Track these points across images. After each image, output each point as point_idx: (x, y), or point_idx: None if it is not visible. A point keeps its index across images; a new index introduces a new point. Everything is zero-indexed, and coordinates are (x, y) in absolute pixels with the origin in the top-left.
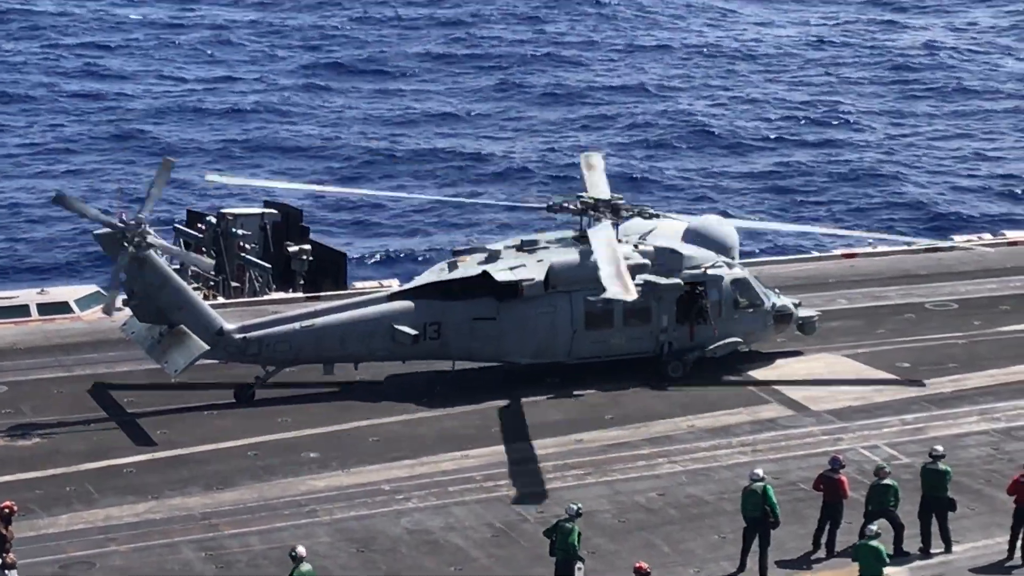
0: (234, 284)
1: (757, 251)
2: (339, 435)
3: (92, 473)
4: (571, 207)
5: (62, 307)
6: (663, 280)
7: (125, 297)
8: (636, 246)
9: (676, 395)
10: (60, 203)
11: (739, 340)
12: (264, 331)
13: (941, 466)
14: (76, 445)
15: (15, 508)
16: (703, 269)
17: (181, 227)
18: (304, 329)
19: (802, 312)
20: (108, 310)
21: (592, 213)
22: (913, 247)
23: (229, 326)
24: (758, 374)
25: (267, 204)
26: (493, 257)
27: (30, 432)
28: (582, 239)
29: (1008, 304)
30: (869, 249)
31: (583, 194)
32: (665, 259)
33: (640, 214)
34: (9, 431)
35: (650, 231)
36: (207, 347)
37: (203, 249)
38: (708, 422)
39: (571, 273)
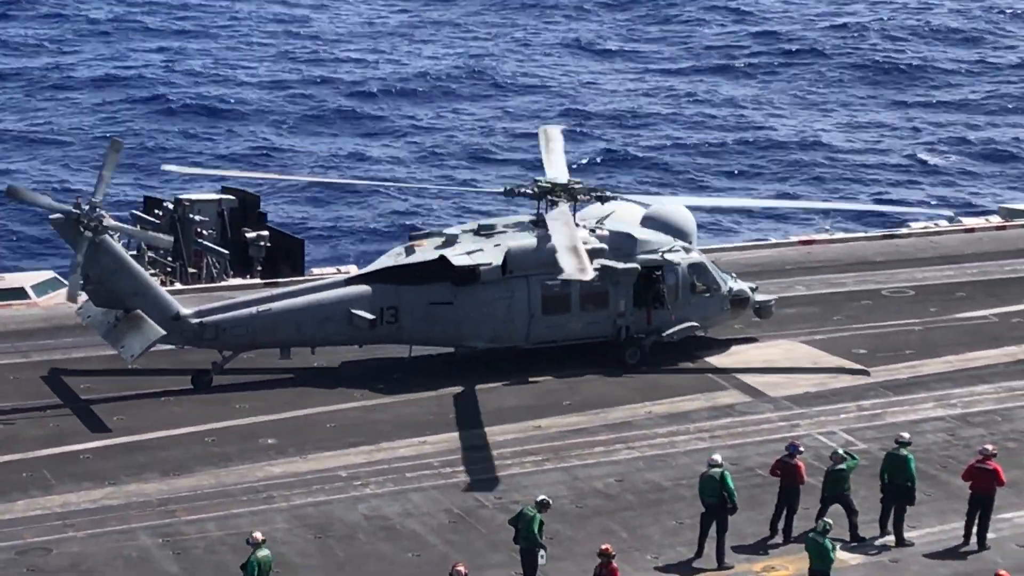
0: (191, 270)
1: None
2: (296, 421)
3: (49, 459)
4: (528, 192)
5: (18, 293)
6: (620, 264)
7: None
8: (593, 231)
9: (634, 381)
10: (12, 195)
11: (696, 324)
12: (220, 316)
13: (904, 452)
14: (33, 431)
15: None
16: (660, 253)
17: (138, 213)
18: (261, 314)
19: (759, 296)
20: (72, 296)
21: (549, 197)
22: (869, 234)
23: (185, 311)
24: (715, 360)
25: (224, 190)
26: (450, 242)
27: None
28: (540, 223)
29: (964, 291)
30: (826, 236)
31: (540, 178)
32: (622, 244)
33: (598, 198)
34: None
35: (607, 215)
36: (163, 332)
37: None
38: (666, 408)
39: (528, 258)
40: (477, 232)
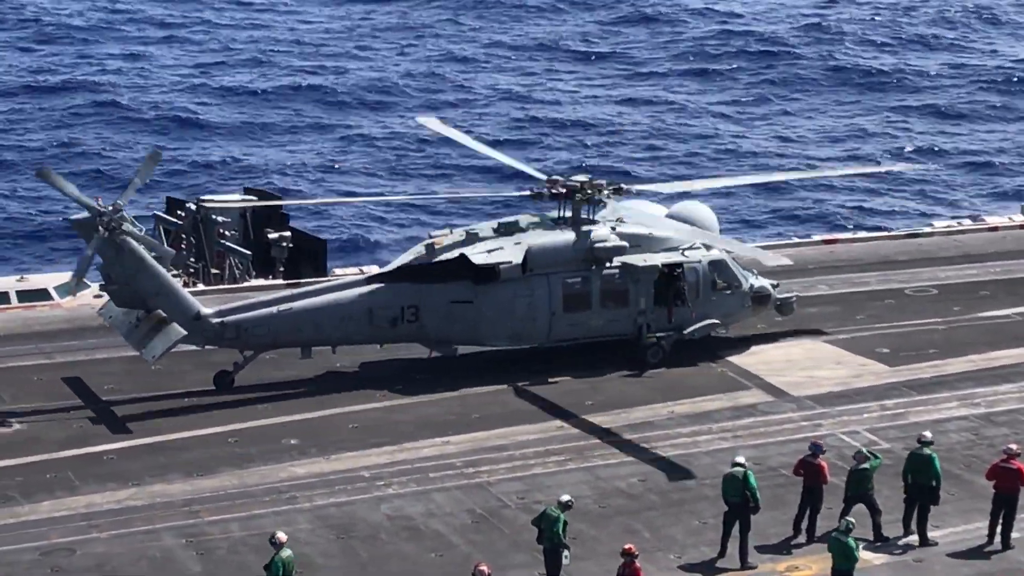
0: (214, 271)
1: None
2: (319, 422)
3: (73, 460)
4: (551, 192)
5: (41, 294)
6: (640, 262)
7: (101, 283)
8: (614, 228)
9: (656, 381)
10: (42, 177)
11: (717, 321)
12: (241, 315)
13: (927, 451)
14: (57, 432)
15: None
16: (681, 251)
17: (161, 215)
18: (281, 313)
19: (780, 293)
20: (72, 291)
21: (578, 196)
22: (893, 233)
23: (206, 311)
24: (738, 360)
25: (247, 191)
26: (471, 240)
27: (10, 419)
28: (560, 222)
29: (988, 289)
30: (849, 235)
31: (561, 177)
32: (642, 241)
33: (616, 191)
34: None
35: (627, 210)
36: (184, 332)
37: (183, 236)
38: (688, 408)
39: (549, 255)
40: (497, 230)
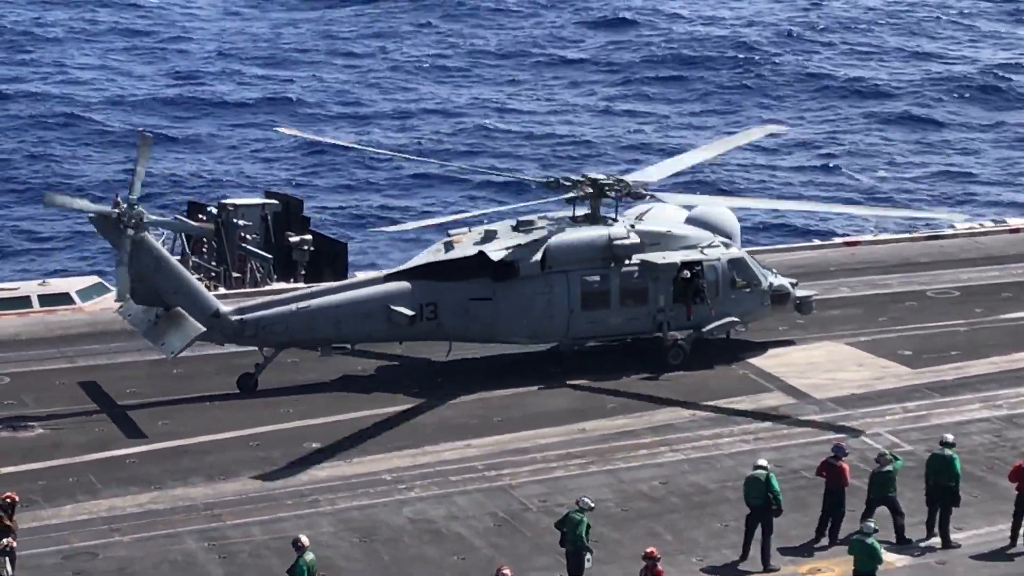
0: (235, 274)
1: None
2: (341, 425)
3: (95, 464)
4: (579, 191)
5: (63, 298)
6: (659, 259)
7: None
8: (632, 226)
9: (678, 384)
10: (50, 204)
11: (736, 319)
12: (260, 313)
13: (948, 452)
14: (78, 436)
15: (16, 498)
16: (699, 249)
17: (183, 218)
18: (300, 311)
19: (800, 292)
20: (122, 295)
21: (596, 192)
22: (914, 235)
23: (225, 308)
24: (759, 362)
25: (268, 195)
26: (489, 237)
27: (32, 423)
28: (579, 221)
29: (1010, 291)
30: (870, 237)
31: (587, 175)
32: (661, 239)
33: (638, 195)
34: (11, 422)
35: (647, 211)
36: (203, 328)
37: (204, 240)
38: (710, 410)
39: (567, 253)
40: (516, 228)
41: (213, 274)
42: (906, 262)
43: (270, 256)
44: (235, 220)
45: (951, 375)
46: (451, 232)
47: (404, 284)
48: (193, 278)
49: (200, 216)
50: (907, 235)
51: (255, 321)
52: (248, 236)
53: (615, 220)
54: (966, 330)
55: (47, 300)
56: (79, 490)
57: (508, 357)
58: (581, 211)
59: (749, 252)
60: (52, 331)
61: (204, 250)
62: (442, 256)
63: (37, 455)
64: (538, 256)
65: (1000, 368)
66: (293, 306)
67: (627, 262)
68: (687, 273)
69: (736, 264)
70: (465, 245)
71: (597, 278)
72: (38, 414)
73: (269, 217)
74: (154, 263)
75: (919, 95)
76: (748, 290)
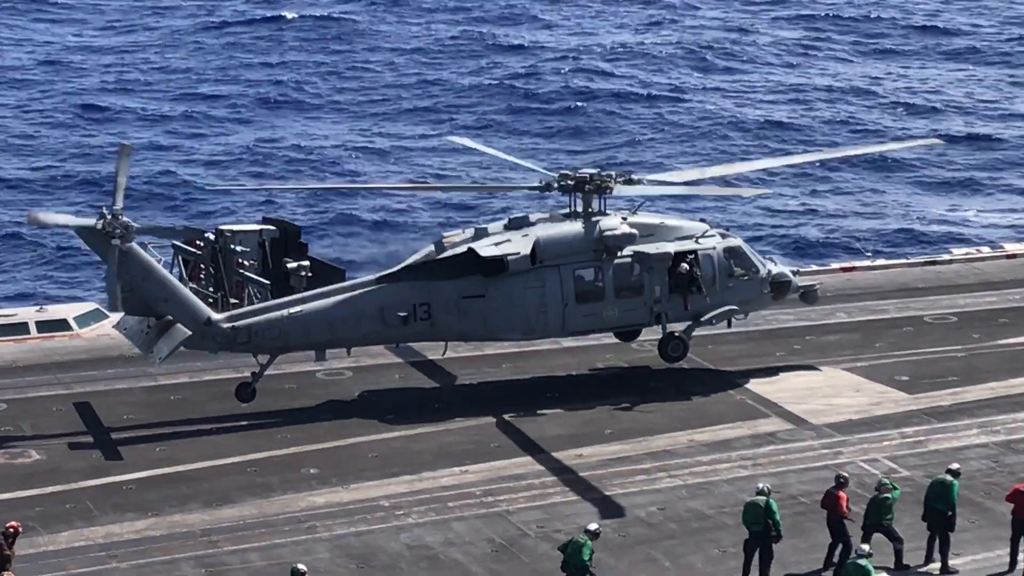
0: (232, 300)
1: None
2: (338, 451)
3: (92, 490)
4: (561, 185)
5: (61, 324)
6: (653, 250)
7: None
8: (625, 218)
9: (676, 409)
10: (33, 223)
11: (735, 308)
12: (252, 319)
13: (948, 479)
14: (76, 462)
15: (20, 528)
16: (694, 238)
17: (180, 244)
18: (293, 316)
19: (802, 281)
20: (114, 305)
21: (587, 187)
22: (911, 260)
23: (217, 316)
24: (757, 388)
25: (265, 220)
26: (479, 235)
27: (30, 450)
28: (571, 216)
29: (1007, 317)
30: (867, 263)
31: (571, 171)
32: (655, 230)
33: (626, 181)
34: (8, 449)
35: (641, 204)
36: (189, 332)
37: (201, 266)
38: (708, 436)
39: (558, 247)
40: (508, 225)
41: (210, 300)
42: (903, 288)
43: (268, 282)
44: (232, 246)
45: (948, 401)
46: (445, 234)
47: (396, 285)
48: (183, 287)
49: (197, 242)
50: (904, 261)
51: (247, 328)
52: (245, 262)
53: (608, 213)
54: (963, 356)
55: (44, 326)
56: (76, 516)
57: (504, 382)
58: (576, 207)
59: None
60: (49, 357)
61: (201, 276)
62: (433, 256)
63: (34, 481)
64: (527, 251)
65: (997, 394)
66: (285, 311)
67: (620, 254)
68: (685, 267)
69: (733, 252)
70: (456, 245)
71: (590, 271)
72: (35, 440)
73: (267, 243)
74: (143, 273)
75: None
76: (746, 278)
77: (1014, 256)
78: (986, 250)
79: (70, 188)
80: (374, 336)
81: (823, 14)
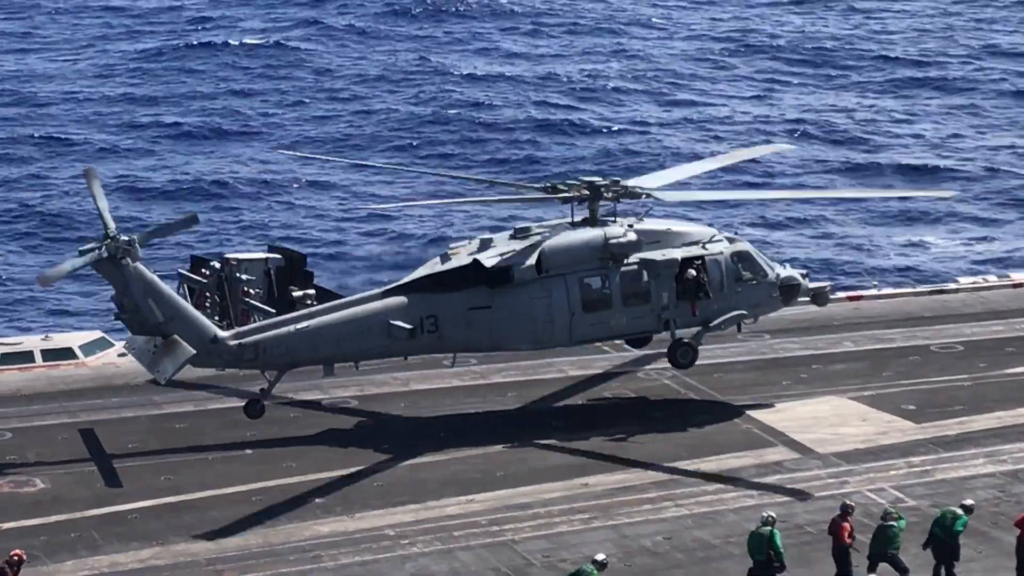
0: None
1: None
2: (343, 480)
3: (97, 519)
4: (569, 193)
5: (66, 353)
6: (659, 257)
7: (125, 341)
8: (630, 225)
9: (682, 438)
10: (45, 284)
11: (744, 312)
12: (259, 336)
13: (958, 511)
14: (80, 491)
15: (24, 556)
16: (701, 244)
17: (186, 272)
18: (300, 331)
19: (812, 284)
20: (150, 319)
21: (592, 194)
22: (917, 289)
23: (223, 333)
24: (763, 417)
25: (271, 249)
26: (485, 246)
27: (34, 478)
28: (577, 225)
29: (1014, 346)
30: (874, 292)
31: (584, 179)
32: (661, 236)
33: (628, 194)
34: (13, 477)
35: (647, 211)
36: (194, 351)
37: (207, 294)
38: (714, 465)
39: (564, 255)
40: (514, 235)
41: (216, 319)
42: (909, 316)
43: (273, 311)
44: (238, 275)
45: (955, 430)
46: (451, 246)
47: (402, 298)
48: (189, 305)
49: (203, 271)
50: (910, 290)
51: (254, 344)
52: (251, 291)
53: (613, 220)
54: (970, 385)
55: (50, 355)
56: (81, 545)
57: (510, 411)
58: (580, 215)
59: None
60: (55, 386)
61: (207, 304)
62: (439, 268)
63: (39, 510)
64: (533, 260)
65: (1004, 423)
66: (292, 327)
67: (626, 261)
68: (692, 272)
69: (741, 257)
70: (462, 256)
71: (596, 279)
72: (40, 469)
73: (272, 271)
74: (147, 291)
75: None
76: (755, 283)
77: (1020, 285)
78: (992, 279)
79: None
80: (381, 350)
81: (787, 46)
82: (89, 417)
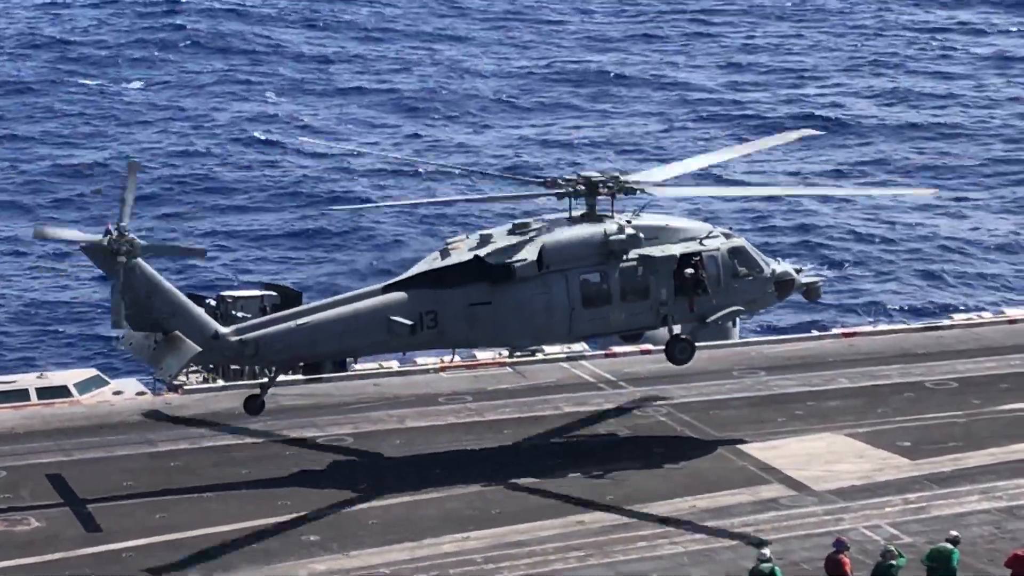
0: (234, 367)
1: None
2: (339, 517)
3: (91, 558)
4: (571, 189)
5: (61, 391)
6: (658, 253)
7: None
8: (629, 221)
9: (677, 475)
10: (40, 237)
11: (741, 308)
12: (260, 332)
13: (948, 547)
14: (75, 530)
15: None
16: (698, 240)
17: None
18: (301, 327)
19: (805, 278)
20: (116, 323)
21: (585, 189)
22: (912, 326)
23: (224, 329)
24: (758, 453)
25: (266, 286)
26: (485, 241)
27: (29, 517)
28: (576, 220)
29: (1008, 383)
30: (869, 328)
31: (581, 173)
32: (659, 232)
33: (624, 189)
34: (8, 516)
35: (644, 206)
36: (199, 349)
37: None
38: (709, 502)
39: (564, 252)
40: (512, 231)
41: (211, 366)
42: (904, 353)
43: None
44: (234, 312)
45: (950, 466)
46: (449, 241)
47: (402, 294)
48: (190, 301)
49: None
50: (905, 326)
51: (255, 340)
52: None
53: (612, 216)
54: (965, 421)
55: (45, 393)
56: None
57: (506, 448)
58: (578, 211)
59: (746, 344)
60: (49, 424)
61: None
62: (439, 264)
63: (33, 549)
64: (534, 257)
65: (999, 459)
66: (293, 323)
67: (625, 257)
68: (690, 269)
69: (737, 253)
70: (461, 251)
71: (596, 275)
72: (35, 507)
73: (268, 308)
74: (149, 287)
75: None
76: (751, 278)
77: (1015, 322)
78: (987, 315)
79: None
80: (381, 345)
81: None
82: (84, 455)
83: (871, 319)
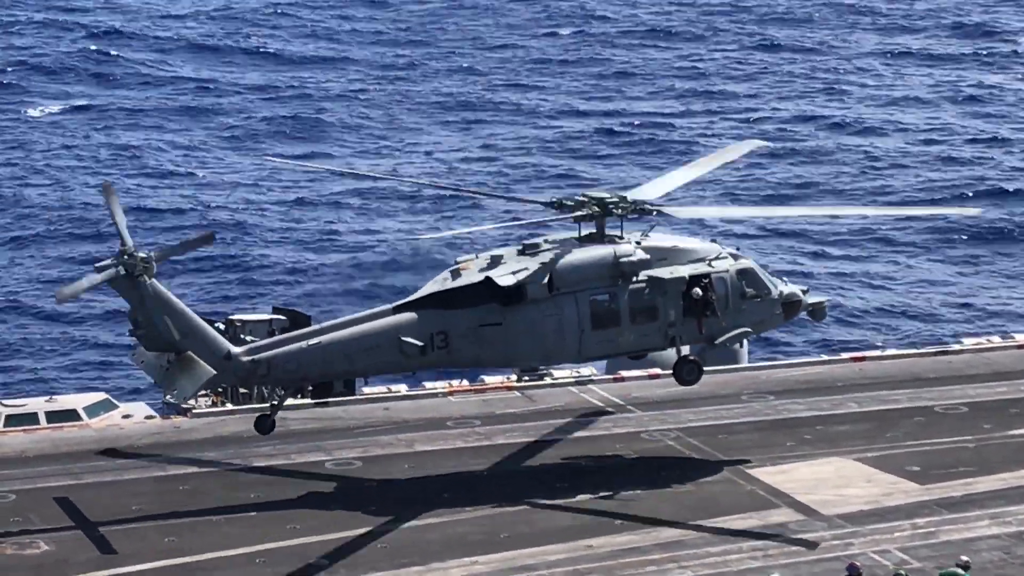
0: (243, 390)
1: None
2: (348, 541)
3: None
4: (582, 212)
5: (70, 415)
6: (667, 274)
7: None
8: (638, 242)
9: (685, 500)
10: (64, 300)
11: (749, 330)
12: (272, 352)
13: (959, 572)
14: (85, 554)
15: None
16: (707, 261)
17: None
18: (311, 347)
19: (811, 299)
20: (164, 337)
21: (596, 210)
22: (922, 350)
23: (236, 349)
24: (767, 478)
25: (275, 310)
26: (495, 262)
27: (38, 541)
28: (584, 240)
29: (1018, 407)
30: (878, 353)
31: (590, 193)
32: (668, 254)
33: (636, 210)
34: (17, 540)
35: (652, 227)
36: (213, 372)
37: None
38: (718, 526)
39: (575, 273)
40: (522, 251)
41: (220, 389)
42: (914, 377)
43: None
44: (242, 336)
45: (960, 491)
46: (458, 260)
47: (412, 315)
48: (202, 321)
49: None
50: (915, 351)
51: (267, 360)
52: None
53: (621, 238)
54: (974, 446)
55: (54, 416)
56: None
57: (513, 473)
58: (586, 230)
59: (755, 368)
60: (59, 448)
61: None
62: (449, 284)
63: (43, 573)
64: (545, 279)
65: (1009, 484)
66: (304, 343)
67: (635, 279)
68: (698, 291)
69: (745, 275)
70: (471, 272)
71: (606, 297)
72: (45, 532)
73: (277, 332)
74: (160, 307)
75: None
76: (759, 300)
77: None
78: (997, 340)
79: None
80: (392, 366)
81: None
82: (93, 479)
83: (881, 343)
